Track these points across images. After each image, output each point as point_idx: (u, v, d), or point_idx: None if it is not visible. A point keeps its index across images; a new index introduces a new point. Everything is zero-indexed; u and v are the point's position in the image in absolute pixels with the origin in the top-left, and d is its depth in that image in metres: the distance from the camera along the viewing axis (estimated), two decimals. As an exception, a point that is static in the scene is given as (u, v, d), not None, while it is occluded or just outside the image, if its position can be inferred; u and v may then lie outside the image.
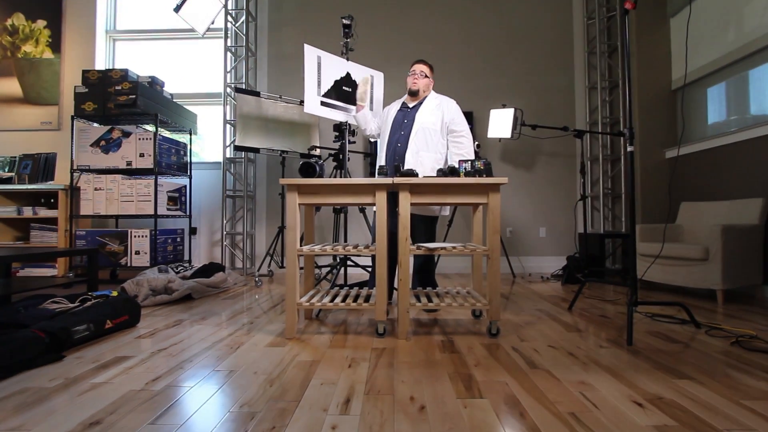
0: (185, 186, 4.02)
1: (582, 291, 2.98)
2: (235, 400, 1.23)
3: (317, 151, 3.78)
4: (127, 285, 2.67)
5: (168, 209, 3.75)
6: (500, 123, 3.68)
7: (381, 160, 2.50)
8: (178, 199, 3.91)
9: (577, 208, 4.08)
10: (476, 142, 2.90)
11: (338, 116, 2.86)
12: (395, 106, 2.60)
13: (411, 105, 2.53)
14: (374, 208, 2.12)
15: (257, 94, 3.64)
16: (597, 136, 4.24)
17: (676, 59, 3.74)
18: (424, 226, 2.46)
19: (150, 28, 4.56)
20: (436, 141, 2.45)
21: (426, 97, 2.53)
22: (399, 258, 1.90)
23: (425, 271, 2.50)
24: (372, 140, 3.96)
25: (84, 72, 3.56)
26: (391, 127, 2.52)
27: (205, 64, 4.53)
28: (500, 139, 4.00)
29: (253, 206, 4.31)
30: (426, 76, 2.51)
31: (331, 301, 2.01)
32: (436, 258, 2.79)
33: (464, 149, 2.45)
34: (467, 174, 1.98)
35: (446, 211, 2.57)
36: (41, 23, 4.40)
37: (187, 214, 4.03)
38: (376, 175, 2.18)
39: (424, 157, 2.41)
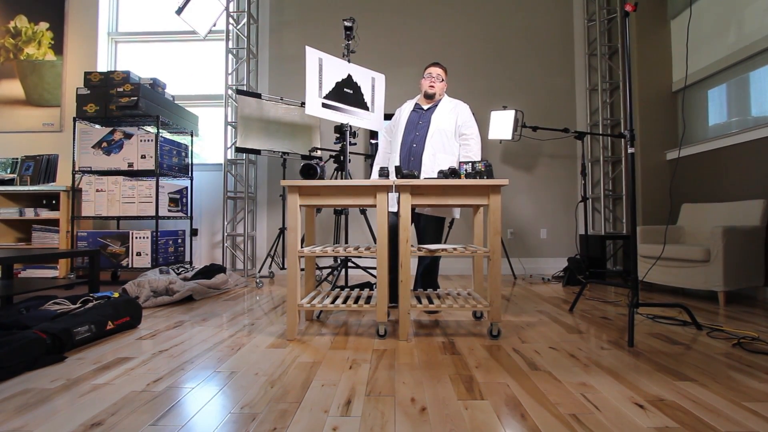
0: (186, 187, 4.03)
1: (583, 292, 2.98)
2: (236, 402, 1.23)
3: (318, 153, 3.79)
4: (128, 286, 2.68)
5: (169, 210, 3.76)
6: (501, 124, 3.69)
7: (395, 160, 2.50)
8: (179, 200, 3.92)
9: (578, 209, 4.08)
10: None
11: (339, 118, 2.87)
12: (408, 106, 2.61)
13: (425, 107, 2.54)
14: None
15: (258, 95, 3.65)
16: (598, 137, 4.24)
17: (677, 61, 3.74)
18: (435, 227, 2.49)
19: (152, 30, 4.58)
20: (451, 144, 2.49)
21: (440, 99, 2.55)
22: (400, 259, 1.90)
23: (429, 273, 2.51)
24: (374, 141, 3.96)
25: (86, 74, 3.58)
26: (405, 127, 2.53)
27: (206, 66, 4.54)
28: (501, 141, 4.00)
29: (254, 207, 4.32)
30: (442, 80, 2.54)
31: (332, 302, 2.01)
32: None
33: (471, 151, 2.48)
34: (468, 175, 1.98)
35: (457, 214, 2.57)
36: (44, 25, 4.42)
37: (188, 215, 4.04)
38: (378, 176, 2.18)
39: (442, 159, 2.44)
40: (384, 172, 2.04)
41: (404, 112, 2.59)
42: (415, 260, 2.72)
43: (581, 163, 3.65)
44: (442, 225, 2.53)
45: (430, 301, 2.05)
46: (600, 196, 4.20)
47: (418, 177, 1.99)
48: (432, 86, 2.50)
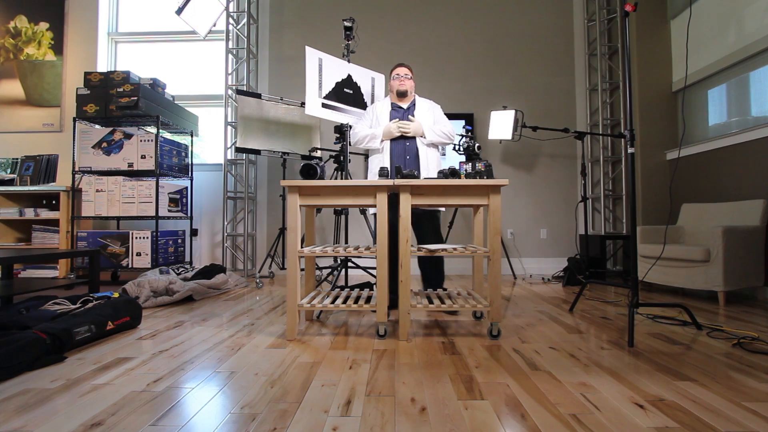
0: (186, 187, 4.03)
1: (583, 292, 2.98)
2: (236, 402, 1.23)
3: (318, 153, 3.79)
4: (128, 286, 2.68)
5: (169, 211, 3.76)
6: (501, 125, 3.69)
7: (384, 161, 2.50)
8: (180, 200, 3.92)
9: (578, 209, 4.08)
10: (477, 144, 2.91)
11: (339, 118, 2.87)
12: (384, 106, 2.61)
13: (404, 105, 2.57)
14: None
15: (258, 96, 3.65)
16: (598, 137, 4.24)
17: (677, 61, 3.74)
18: (432, 223, 2.51)
19: (152, 30, 4.58)
20: None
21: (414, 98, 2.59)
22: (400, 259, 1.90)
23: (435, 269, 2.52)
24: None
25: (86, 74, 3.58)
26: None
27: (206, 66, 4.54)
28: (501, 141, 4.00)
29: (254, 208, 4.32)
30: (410, 77, 2.58)
31: (332, 302, 2.01)
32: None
33: (442, 129, 2.49)
34: (468, 175, 1.98)
35: (443, 207, 2.62)
36: (44, 25, 4.42)
37: (189, 215, 4.04)
38: (378, 176, 2.18)
39: (432, 155, 2.52)
40: (384, 172, 2.04)
41: (382, 111, 2.59)
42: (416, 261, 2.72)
43: (581, 163, 3.65)
44: (438, 219, 2.55)
45: (430, 301, 2.05)
46: (600, 196, 4.20)
47: (418, 176, 1.99)
48: (402, 84, 2.54)
